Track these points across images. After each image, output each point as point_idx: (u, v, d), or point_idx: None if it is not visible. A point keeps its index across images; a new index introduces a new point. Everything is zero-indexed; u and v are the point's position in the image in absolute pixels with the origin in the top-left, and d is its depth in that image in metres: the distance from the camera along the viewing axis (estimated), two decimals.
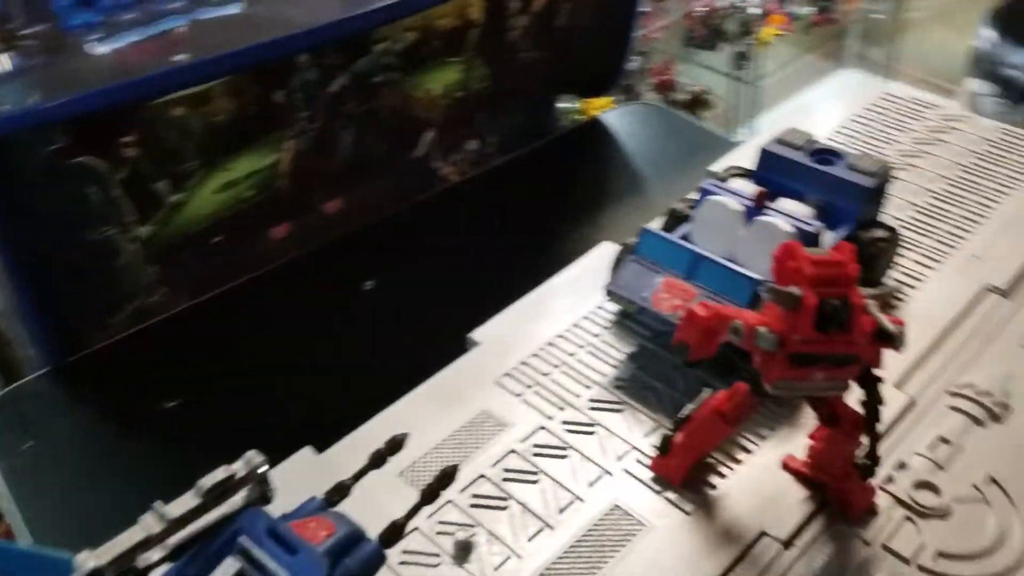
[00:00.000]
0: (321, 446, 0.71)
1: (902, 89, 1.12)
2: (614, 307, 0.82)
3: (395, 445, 0.56)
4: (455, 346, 0.81)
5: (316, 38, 0.90)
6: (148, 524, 0.45)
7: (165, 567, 0.45)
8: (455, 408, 0.74)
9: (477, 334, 0.81)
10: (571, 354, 0.79)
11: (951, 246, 0.88)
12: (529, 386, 0.76)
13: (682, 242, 0.75)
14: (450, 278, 1.04)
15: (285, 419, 0.87)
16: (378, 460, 0.55)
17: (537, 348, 0.79)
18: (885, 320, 0.56)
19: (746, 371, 0.61)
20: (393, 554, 0.61)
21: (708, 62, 2.21)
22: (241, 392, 0.92)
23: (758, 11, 2.12)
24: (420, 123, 1.20)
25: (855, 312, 0.55)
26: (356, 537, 0.50)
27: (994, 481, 0.67)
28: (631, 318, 0.80)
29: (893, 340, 0.56)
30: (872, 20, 2.66)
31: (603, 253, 0.88)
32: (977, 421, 0.72)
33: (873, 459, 0.63)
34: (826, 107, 1.26)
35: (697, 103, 2.17)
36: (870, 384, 0.60)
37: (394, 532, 0.53)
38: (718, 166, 0.91)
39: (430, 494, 0.56)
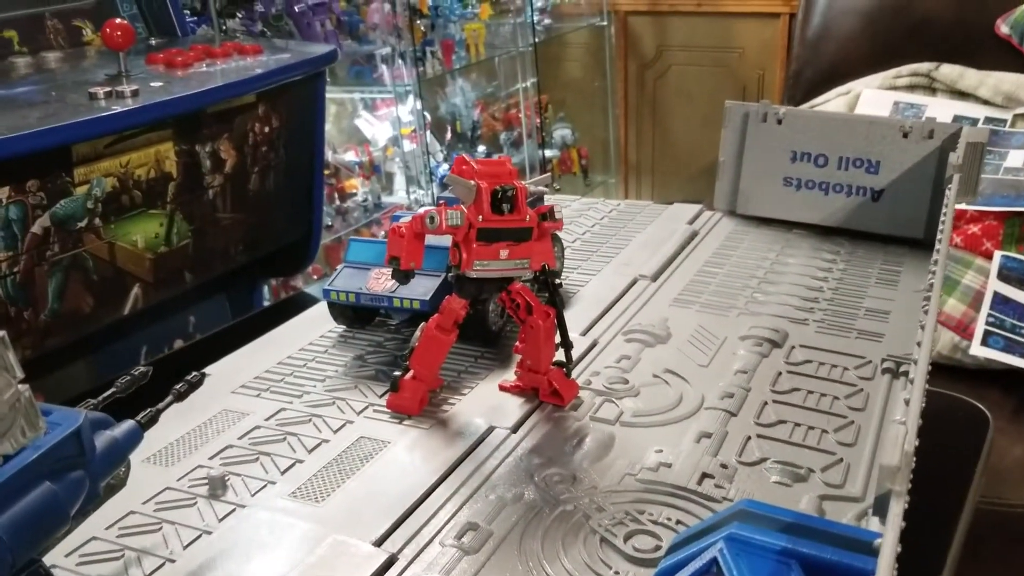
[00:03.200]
0: None
1: None
2: (334, 331, 0.90)
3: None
4: None
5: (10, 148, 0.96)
6: None
7: None
8: (193, 415, 0.76)
9: (208, 369, 0.85)
10: (302, 365, 0.85)
11: (608, 258, 1.08)
12: (265, 389, 0.81)
13: (382, 240, 0.87)
14: None
15: None
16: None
17: (270, 366, 0.85)
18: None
19: (456, 289, 0.72)
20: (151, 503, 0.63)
21: None
22: None
23: None
24: (126, 276, 1.24)
25: (520, 195, 0.69)
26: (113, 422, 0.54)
27: (668, 371, 0.81)
28: (348, 327, 0.89)
29: (553, 215, 0.71)
30: None
31: (315, 309, 0.97)
32: (648, 344, 0.87)
33: (566, 344, 0.74)
34: None
35: None
36: (549, 281, 0.73)
37: (151, 418, 0.57)
38: None
39: (180, 395, 0.60)
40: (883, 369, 0.82)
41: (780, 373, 0.82)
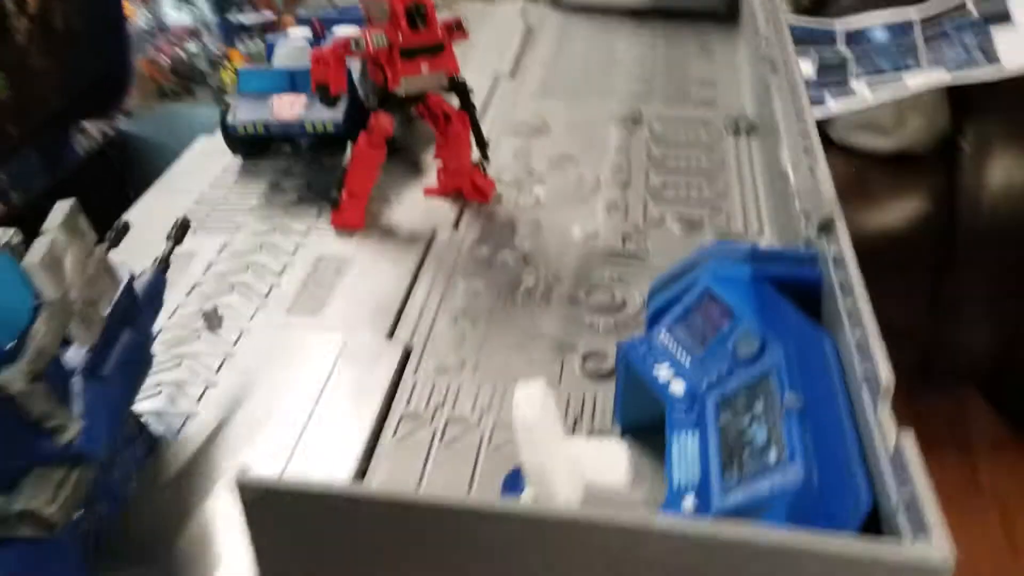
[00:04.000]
0: None
1: None
2: (232, 163, 0.93)
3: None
4: None
5: None
6: None
7: None
8: (141, 262, 0.78)
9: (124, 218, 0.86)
10: (220, 200, 0.88)
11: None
12: (197, 228, 0.84)
13: (275, 67, 0.90)
14: None
15: None
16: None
17: (188, 206, 0.87)
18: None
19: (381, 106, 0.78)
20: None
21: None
22: None
23: (218, 51, 2.31)
24: None
25: (431, 10, 0.75)
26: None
27: (561, 156, 0.93)
28: (246, 158, 0.93)
29: (462, 27, 0.77)
30: None
31: (200, 145, 0.98)
32: (533, 136, 0.97)
33: (481, 144, 0.83)
34: None
35: None
36: (460, 90, 0.81)
37: (164, 262, 0.61)
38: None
39: (179, 239, 0.64)
40: (726, 128, 0.98)
41: (649, 145, 0.95)
